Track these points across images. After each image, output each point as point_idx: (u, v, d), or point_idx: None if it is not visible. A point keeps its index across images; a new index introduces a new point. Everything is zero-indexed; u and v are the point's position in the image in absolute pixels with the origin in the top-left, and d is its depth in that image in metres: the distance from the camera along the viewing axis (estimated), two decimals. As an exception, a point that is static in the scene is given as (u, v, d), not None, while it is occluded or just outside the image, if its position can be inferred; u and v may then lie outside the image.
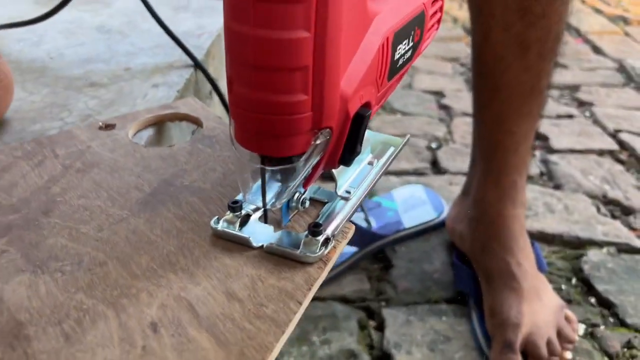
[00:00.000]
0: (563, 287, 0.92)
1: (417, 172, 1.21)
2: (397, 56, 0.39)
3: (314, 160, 0.35)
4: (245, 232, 0.39)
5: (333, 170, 0.41)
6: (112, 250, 0.39)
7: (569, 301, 0.89)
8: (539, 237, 1.01)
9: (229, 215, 0.40)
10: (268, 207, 0.37)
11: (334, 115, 0.34)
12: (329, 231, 0.39)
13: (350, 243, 0.97)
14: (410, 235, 1.01)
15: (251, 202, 0.37)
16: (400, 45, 0.39)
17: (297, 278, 0.36)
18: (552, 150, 1.30)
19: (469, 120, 1.53)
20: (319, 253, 0.37)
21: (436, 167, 1.23)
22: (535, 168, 1.22)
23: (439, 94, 1.58)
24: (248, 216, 0.41)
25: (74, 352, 0.31)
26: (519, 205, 0.84)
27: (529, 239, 0.86)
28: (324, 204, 0.43)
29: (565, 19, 0.72)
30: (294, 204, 0.41)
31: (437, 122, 1.42)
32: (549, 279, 0.88)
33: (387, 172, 1.26)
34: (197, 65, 0.69)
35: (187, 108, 0.57)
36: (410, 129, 1.38)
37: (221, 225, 0.39)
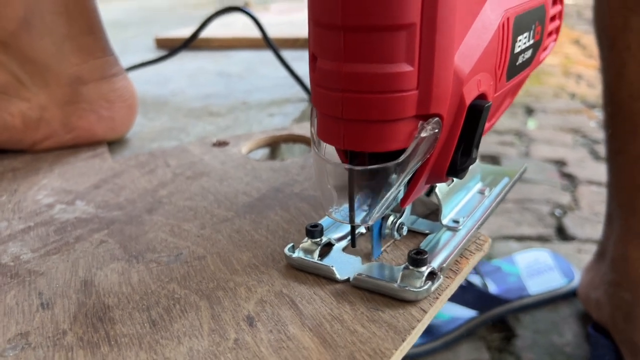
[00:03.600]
0: None
1: (541, 238, 1.09)
2: (517, 49, 0.32)
3: (416, 163, 0.27)
4: (327, 263, 0.31)
5: (437, 192, 0.34)
6: (212, 246, 0.35)
7: None
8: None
9: (306, 242, 0.32)
10: (357, 223, 0.28)
11: (445, 99, 0.26)
12: (435, 263, 0.31)
13: (468, 306, 0.88)
14: (537, 303, 0.89)
15: (335, 216, 0.29)
16: (521, 37, 0.32)
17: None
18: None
19: (596, 189, 1.40)
20: (424, 288, 0.29)
21: (562, 234, 1.11)
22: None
23: (560, 163, 1.46)
24: (330, 246, 0.33)
25: (158, 338, 0.27)
26: (671, 267, 0.72)
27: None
28: (424, 236, 0.35)
29: None
30: (387, 231, 0.33)
31: (559, 190, 1.30)
32: None
33: (507, 237, 1.16)
34: (312, 98, 0.68)
35: (302, 130, 0.55)
36: (530, 195, 1.27)
37: (297, 254, 0.32)
